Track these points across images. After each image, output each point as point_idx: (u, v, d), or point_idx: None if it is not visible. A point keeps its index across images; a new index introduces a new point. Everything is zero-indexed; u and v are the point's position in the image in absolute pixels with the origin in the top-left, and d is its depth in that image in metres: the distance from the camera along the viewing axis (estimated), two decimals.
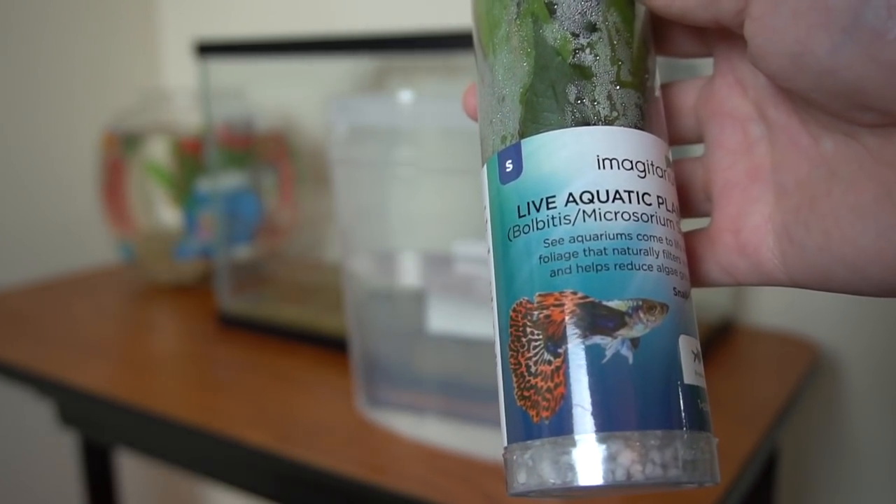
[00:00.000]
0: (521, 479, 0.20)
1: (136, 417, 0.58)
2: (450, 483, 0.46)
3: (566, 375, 0.20)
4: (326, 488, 0.50)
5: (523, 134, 0.22)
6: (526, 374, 0.20)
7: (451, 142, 0.51)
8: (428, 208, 0.54)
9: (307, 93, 0.91)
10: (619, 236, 0.20)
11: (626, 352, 0.19)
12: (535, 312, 0.20)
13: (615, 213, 0.21)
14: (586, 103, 0.22)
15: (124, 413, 0.58)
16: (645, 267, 0.20)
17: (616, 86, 0.22)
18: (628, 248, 0.20)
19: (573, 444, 0.19)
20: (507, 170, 0.22)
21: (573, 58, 0.22)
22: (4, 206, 0.90)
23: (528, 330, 0.20)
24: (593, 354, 0.19)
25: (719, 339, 0.67)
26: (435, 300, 0.51)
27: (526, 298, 0.21)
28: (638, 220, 0.21)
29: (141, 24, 1.05)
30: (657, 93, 0.24)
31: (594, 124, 0.21)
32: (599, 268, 0.20)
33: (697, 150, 0.26)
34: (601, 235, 0.20)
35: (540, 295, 0.20)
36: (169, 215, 0.85)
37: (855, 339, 0.69)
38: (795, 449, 0.72)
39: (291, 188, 0.90)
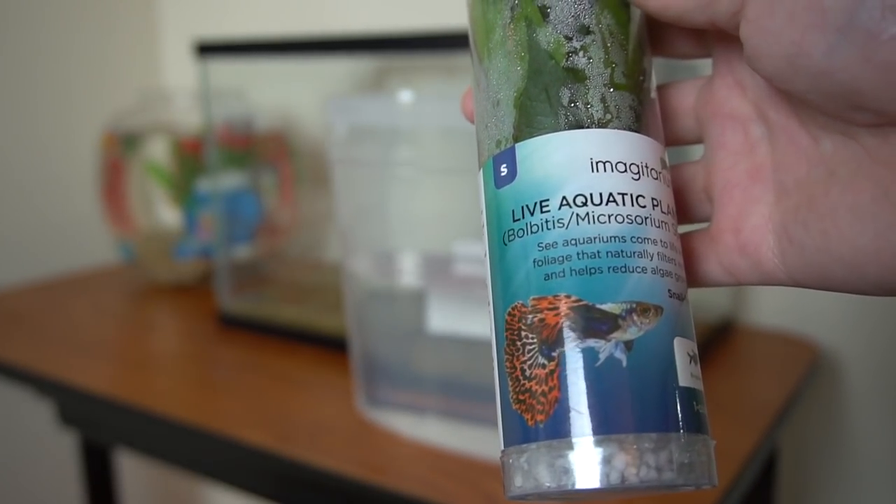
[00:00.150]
0: (518, 483, 0.20)
1: (135, 417, 0.58)
2: (450, 483, 0.46)
3: (560, 379, 0.20)
4: (326, 488, 0.50)
5: (517, 138, 0.22)
6: (521, 377, 0.20)
7: (450, 142, 0.51)
8: (428, 208, 0.54)
9: (307, 93, 0.91)
10: (612, 239, 0.20)
11: (620, 355, 0.19)
12: (530, 316, 0.20)
13: (609, 216, 0.21)
14: (580, 106, 0.22)
15: (124, 413, 0.58)
16: (639, 269, 0.20)
17: (610, 88, 0.22)
18: (622, 251, 0.20)
19: (568, 447, 0.19)
20: (502, 174, 0.22)
21: (566, 61, 0.22)
22: (4, 206, 0.90)
23: (523, 334, 0.20)
24: (587, 358, 0.19)
25: (719, 339, 0.67)
26: (435, 300, 0.51)
27: (521, 302, 0.21)
28: (632, 223, 0.21)
29: (141, 24, 1.05)
30: (653, 95, 0.24)
31: (588, 127, 0.21)
32: (593, 271, 0.20)
33: (696, 152, 0.26)
34: (595, 238, 0.20)
35: (534, 299, 0.20)
36: (169, 215, 0.85)
37: (855, 339, 0.69)
38: (795, 449, 0.72)
39: (291, 188, 0.90)
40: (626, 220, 0.21)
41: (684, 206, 0.25)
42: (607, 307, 0.20)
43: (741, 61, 0.23)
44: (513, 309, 0.21)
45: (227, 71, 0.75)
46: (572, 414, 0.19)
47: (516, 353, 0.21)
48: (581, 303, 0.20)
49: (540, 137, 0.22)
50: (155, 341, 0.74)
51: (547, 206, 0.21)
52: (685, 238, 0.24)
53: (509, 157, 0.22)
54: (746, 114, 0.23)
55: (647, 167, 0.22)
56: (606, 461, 0.19)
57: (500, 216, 0.22)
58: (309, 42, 0.62)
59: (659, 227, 0.21)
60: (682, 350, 0.20)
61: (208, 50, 0.70)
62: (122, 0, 1.02)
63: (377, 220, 0.55)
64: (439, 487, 0.46)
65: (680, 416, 0.20)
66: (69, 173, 0.97)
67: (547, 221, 0.21)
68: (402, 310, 0.56)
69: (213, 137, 0.76)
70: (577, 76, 0.22)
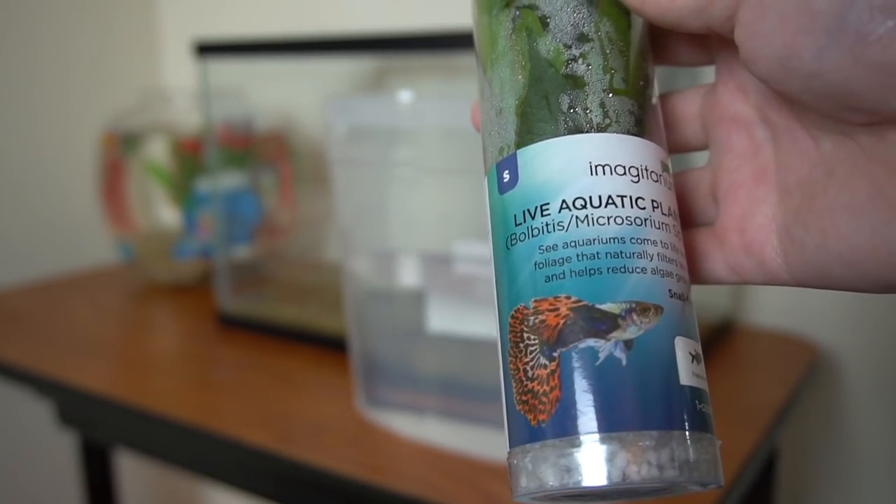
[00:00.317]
0: (523, 483, 0.20)
1: (135, 417, 0.58)
2: (449, 483, 0.46)
3: (561, 379, 0.20)
4: (326, 488, 0.50)
5: (519, 144, 0.22)
6: (524, 378, 0.21)
7: (450, 142, 0.51)
8: (428, 208, 0.54)
9: (307, 93, 0.91)
10: (611, 240, 0.21)
11: (620, 354, 0.20)
12: (532, 318, 0.21)
13: (608, 218, 0.21)
14: (579, 112, 0.22)
15: (123, 413, 0.58)
16: (638, 270, 0.20)
17: (609, 94, 0.22)
18: (621, 252, 0.21)
19: (570, 445, 0.19)
20: (505, 180, 0.23)
21: (566, 68, 0.22)
22: (4, 206, 0.90)
23: (526, 335, 0.21)
24: (587, 357, 0.20)
25: (719, 339, 0.67)
26: (435, 300, 0.51)
27: (523, 304, 0.21)
28: (631, 224, 0.21)
29: (141, 24, 1.05)
30: (655, 100, 0.24)
31: (587, 132, 0.22)
32: (592, 272, 0.20)
33: (699, 159, 0.26)
34: (594, 240, 0.21)
35: (536, 300, 0.21)
36: (168, 215, 0.85)
37: (855, 339, 0.69)
38: (795, 449, 0.72)
39: (291, 188, 0.90)
40: (625, 221, 0.21)
41: (691, 210, 0.26)
42: (607, 307, 0.20)
43: (741, 66, 0.23)
44: (516, 311, 0.21)
45: (227, 71, 0.75)
46: (573, 413, 0.19)
47: (519, 355, 0.21)
48: (581, 303, 0.20)
49: (540, 143, 0.22)
50: (154, 341, 0.74)
51: (547, 209, 0.21)
52: (691, 237, 0.24)
53: (511, 163, 0.22)
54: (749, 117, 0.24)
55: (646, 170, 0.22)
56: (608, 459, 0.19)
57: (504, 221, 0.22)
58: (309, 42, 0.63)
59: (659, 228, 0.21)
60: (683, 349, 0.20)
61: (208, 50, 0.70)
62: (122, 0, 1.02)
63: (377, 220, 0.55)
64: (439, 487, 0.46)
65: (682, 414, 0.20)
66: (69, 173, 0.97)
67: (547, 224, 0.21)
68: (402, 310, 0.56)
69: (212, 137, 0.76)
70: (576, 83, 0.22)
